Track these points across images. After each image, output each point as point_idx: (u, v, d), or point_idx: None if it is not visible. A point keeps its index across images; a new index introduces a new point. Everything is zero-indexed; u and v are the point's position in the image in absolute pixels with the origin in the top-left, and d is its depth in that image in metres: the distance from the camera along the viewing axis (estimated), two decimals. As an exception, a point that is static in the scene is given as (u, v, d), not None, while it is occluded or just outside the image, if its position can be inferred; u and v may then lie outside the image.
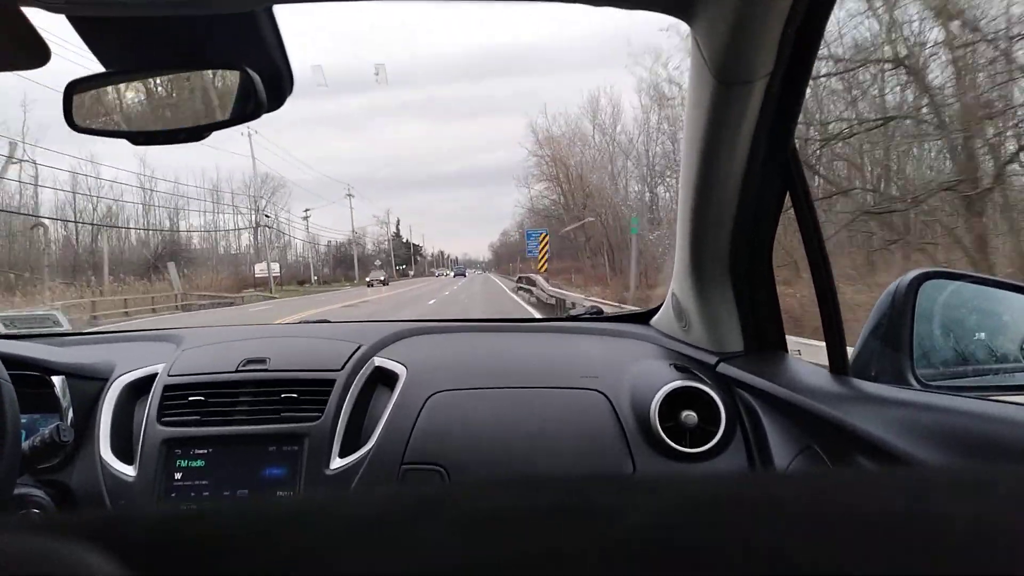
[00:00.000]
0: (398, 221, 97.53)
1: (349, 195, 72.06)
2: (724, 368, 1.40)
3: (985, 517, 0.27)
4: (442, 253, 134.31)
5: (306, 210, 62.19)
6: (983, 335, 1.19)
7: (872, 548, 0.24)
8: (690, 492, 0.30)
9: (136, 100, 0.92)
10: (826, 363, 1.17)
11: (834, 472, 0.58)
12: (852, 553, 0.24)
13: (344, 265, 71.31)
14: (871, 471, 0.54)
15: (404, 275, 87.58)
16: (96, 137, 0.95)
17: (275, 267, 46.44)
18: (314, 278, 58.00)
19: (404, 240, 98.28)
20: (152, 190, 43.47)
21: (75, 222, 37.79)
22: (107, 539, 0.25)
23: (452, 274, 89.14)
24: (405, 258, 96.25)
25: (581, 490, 0.30)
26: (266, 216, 51.55)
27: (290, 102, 0.96)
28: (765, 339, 1.38)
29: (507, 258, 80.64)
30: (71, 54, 0.99)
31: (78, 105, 0.91)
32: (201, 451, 1.39)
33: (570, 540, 0.25)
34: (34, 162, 31.99)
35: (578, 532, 0.26)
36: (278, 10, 0.82)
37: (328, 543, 0.26)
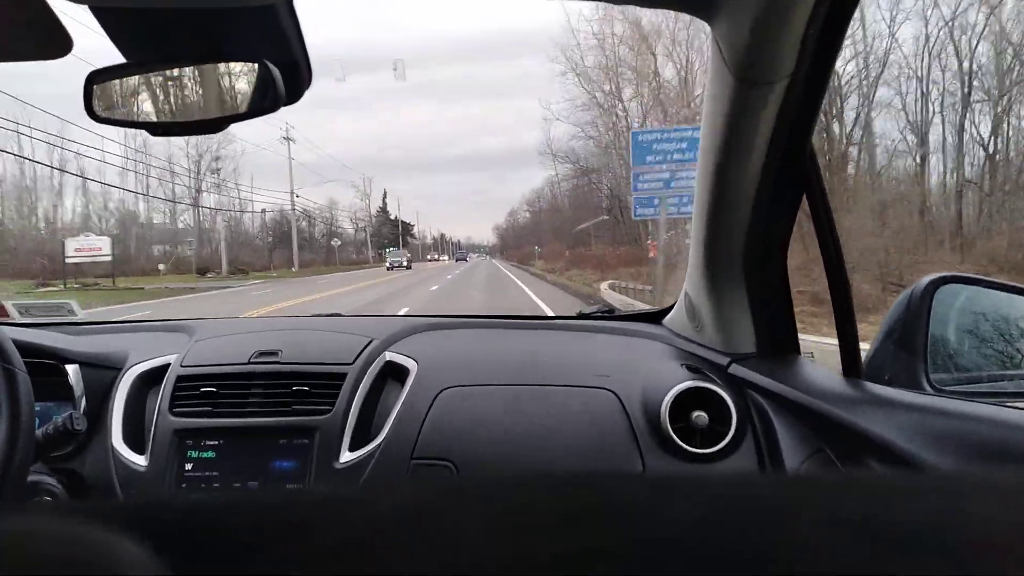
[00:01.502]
0: (384, 193, 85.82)
1: (286, 138, 48.57)
2: (736, 369, 1.40)
3: (999, 521, 0.27)
4: (443, 236, 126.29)
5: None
6: (999, 341, 1.18)
7: (891, 553, 0.24)
8: (709, 493, 0.30)
9: (156, 92, 0.92)
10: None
11: (849, 475, 0.58)
12: (871, 557, 0.24)
13: (309, 247, 56.02)
14: (886, 475, 0.54)
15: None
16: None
17: (103, 242, 28.95)
18: (225, 265, 40.36)
19: (392, 217, 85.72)
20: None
21: None
22: (140, 525, 0.25)
23: (453, 259, 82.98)
24: (392, 239, 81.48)
25: (601, 487, 0.31)
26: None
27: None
28: (778, 341, 1.37)
29: (514, 243, 72.57)
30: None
31: (98, 95, 0.91)
32: (212, 442, 1.40)
33: (597, 538, 0.25)
34: None
35: (605, 530, 0.26)
36: (298, 2, 0.82)
37: (360, 535, 0.26)
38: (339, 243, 58.70)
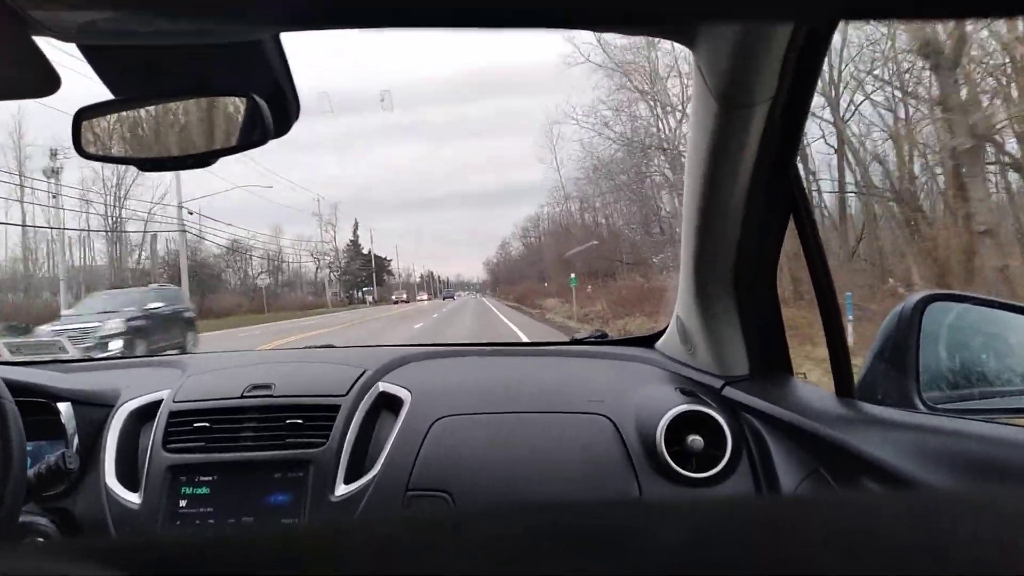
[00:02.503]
0: (356, 225, 73.26)
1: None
2: (730, 392, 1.40)
3: (992, 538, 0.27)
4: (431, 274, 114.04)
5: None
6: (990, 358, 1.18)
7: (884, 569, 0.24)
8: (704, 516, 0.30)
9: (144, 127, 0.93)
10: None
11: (845, 495, 0.58)
12: (864, 574, 0.24)
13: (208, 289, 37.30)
14: (881, 494, 0.54)
15: (360, 301, 65.24)
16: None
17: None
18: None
19: (365, 252, 72.97)
20: None
21: None
22: (132, 563, 0.25)
23: (434, 297, 79.98)
24: (364, 277, 71.09)
25: (598, 515, 0.30)
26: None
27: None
28: (771, 362, 1.37)
29: (507, 277, 63.29)
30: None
31: (86, 131, 0.92)
32: (206, 478, 1.38)
33: (589, 564, 0.25)
34: None
35: (596, 556, 0.26)
36: (285, 38, 0.83)
37: (353, 566, 0.26)
38: (268, 282, 45.17)
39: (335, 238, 64.73)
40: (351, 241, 73.74)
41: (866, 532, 0.27)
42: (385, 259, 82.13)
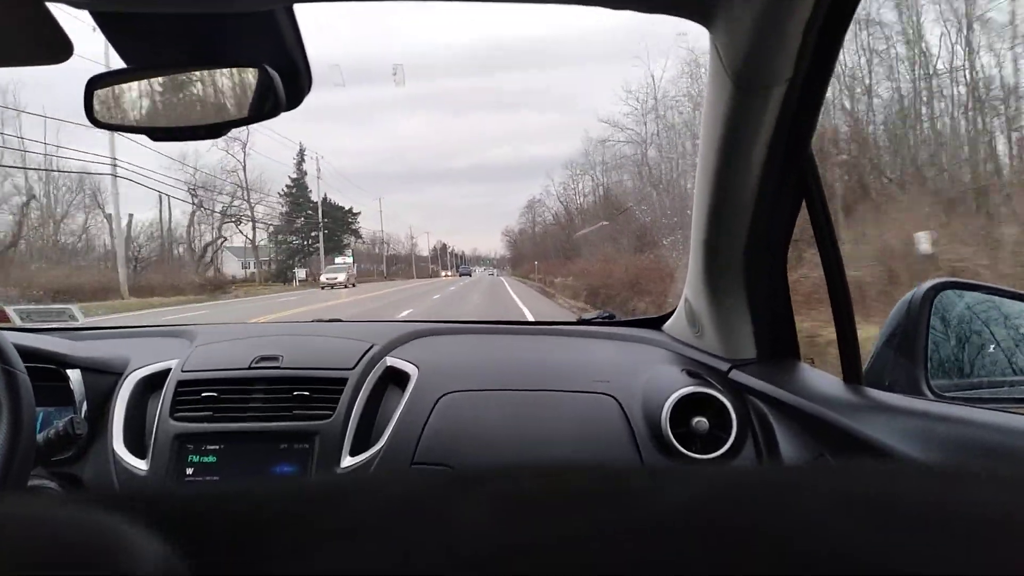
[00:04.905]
0: (301, 150, 45.86)
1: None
2: (736, 375, 1.40)
3: (999, 504, 0.27)
4: (444, 247, 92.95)
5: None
6: (999, 346, 1.18)
7: (888, 529, 0.24)
8: (711, 480, 0.30)
9: (156, 96, 0.93)
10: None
11: (855, 464, 0.58)
12: (875, 537, 0.24)
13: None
14: (891, 465, 0.54)
15: (295, 279, 41.73)
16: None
17: None
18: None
19: (321, 199, 47.21)
20: None
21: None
22: (145, 510, 0.26)
23: (457, 274, 66.27)
24: (311, 241, 46.66)
25: (604, 475, 0.31)
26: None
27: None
28: (778, 346, 1.37)
29: (531, 253, 44.32)
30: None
31: (99, 100, 0.92)
32: (213, 447, 1.40)
33: (594, 521, 0.26)
34: None
35: (613, 513, 0.26)
36: (298, 8, 0.82)
37: (361, 520, 0.26)
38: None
39: (245, 174, 38.55)
40: (291, 181, 46.00)
41: (869, 493, 0.28)
42: (351, 212, 52.83)
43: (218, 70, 0.91)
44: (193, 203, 36.00)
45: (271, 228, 44.73)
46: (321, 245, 46.61)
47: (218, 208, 38.23)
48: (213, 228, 38.70)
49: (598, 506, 0.27)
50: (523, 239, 52.82)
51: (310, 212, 47.37)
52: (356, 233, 54.76)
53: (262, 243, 43.05)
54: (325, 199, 48.35)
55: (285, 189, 46.34)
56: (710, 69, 1.10)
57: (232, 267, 42.65)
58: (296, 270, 44.18)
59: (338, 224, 51.29)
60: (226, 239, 40.45)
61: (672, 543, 0.24)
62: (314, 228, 46.92)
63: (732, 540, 0.24)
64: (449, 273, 72.99)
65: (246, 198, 39.67)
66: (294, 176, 46.75)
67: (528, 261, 44.52)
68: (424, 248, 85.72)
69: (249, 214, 40.34)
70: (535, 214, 45.71)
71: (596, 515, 0.26)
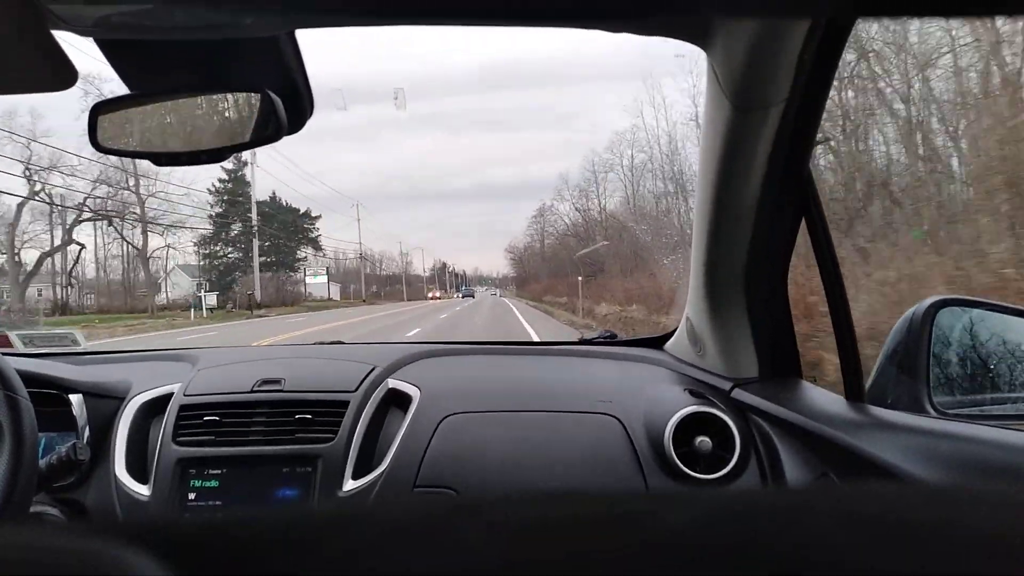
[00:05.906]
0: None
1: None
2: (739, 394, 1.40)
3: (1008, 529, 0.27)
4: (444, 266, 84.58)
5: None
6: (1001, 363, 1.18)
7: (894, 555, 0.24)
8: (714, 503, 0.30)
9: (159, 122, 0.93)
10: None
11: (857, 486, 0.58)
12: (880, 559, 0.24)
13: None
14: (894, 485, 0.54)
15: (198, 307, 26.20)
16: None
17: None
18: None
19: (269, 197, 38.84)
20: None
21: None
22: (149, 541, 0.26)
23: (459, 295, 59.65)
24: (237, 258, 36.63)
25: (606, 503, 0.31)
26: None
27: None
28: (780, 365, 1.37)
29: (533, 273, 40.09)
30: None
31: (103, 126, 0.93)
32: (215, 471, 1.39)
33: (596, 543, 0.26)
34: None
35: (604, 537, 0.26)
36: (300, 33, 0.83)
37: (369, 547, 0.26)
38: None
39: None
40: (225, 174, 35.66)
41: (879, 519, 0.28)
42: (308, 216, 42.16)
43: (221, 95, 0.92)
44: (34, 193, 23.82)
45: (200, 237, 33.64)
46: (255, 255, 34.65)
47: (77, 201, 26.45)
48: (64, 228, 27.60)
49: (601, 532, 0.27)
50: (529, 255, 45.36)
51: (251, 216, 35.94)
52: (315, 243, 43.50)
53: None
54: (274, 197, 38.03)
55: (218, 183, 35.17)
56: (708, 90, 1.11)
57: (184, 289, 33.26)
58: (204, 294, 30.05)
59: (288, 231, 40.17)
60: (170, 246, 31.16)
61: (677, 567, 0.24)
62: (241, 222, 34.65)
63: (737, 563, 0.24)
64: (438, 294, 63.84)
65: (133, 187, 27.88)
66: (230, 167, 34.93)
67: (531, 282, 40.19)
68: (419, 266, 77.52)
69: (138, 211, 28.46)
70: (545, 223, 37.62)
71: (599, 541, 0.26)
